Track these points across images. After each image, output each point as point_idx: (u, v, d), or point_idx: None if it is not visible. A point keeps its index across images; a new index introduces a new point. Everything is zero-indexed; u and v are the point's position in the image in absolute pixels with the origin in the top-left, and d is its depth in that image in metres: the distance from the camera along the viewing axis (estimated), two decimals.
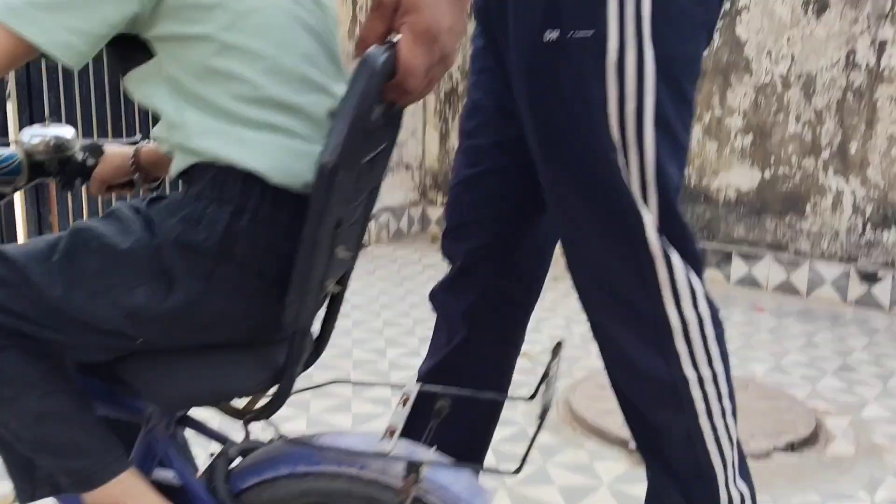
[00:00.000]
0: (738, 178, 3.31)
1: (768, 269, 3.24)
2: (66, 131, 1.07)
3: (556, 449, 1.87)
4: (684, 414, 1.03)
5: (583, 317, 2.91)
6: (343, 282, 0.97)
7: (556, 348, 0.94)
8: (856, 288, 3.06)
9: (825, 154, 3.11)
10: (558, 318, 2.86)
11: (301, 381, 0.91)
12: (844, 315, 2.96)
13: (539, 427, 0.84)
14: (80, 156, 1.07)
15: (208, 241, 0.80)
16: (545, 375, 0.91)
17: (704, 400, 1.04)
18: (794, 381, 2.32)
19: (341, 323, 2.74)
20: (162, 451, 0.95)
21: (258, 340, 0.87)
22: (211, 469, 0.93)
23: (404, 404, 0.87)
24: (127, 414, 0.96)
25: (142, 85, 0.85)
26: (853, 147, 3.05)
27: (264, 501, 0.90)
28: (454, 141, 4.14)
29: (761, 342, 2.64)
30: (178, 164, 0.84)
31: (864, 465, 1.82)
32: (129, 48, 0.83)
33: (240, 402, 0.95)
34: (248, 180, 0.81)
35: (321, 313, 0.97)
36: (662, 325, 1.01)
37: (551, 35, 0.93)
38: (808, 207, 3.16)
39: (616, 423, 1.95)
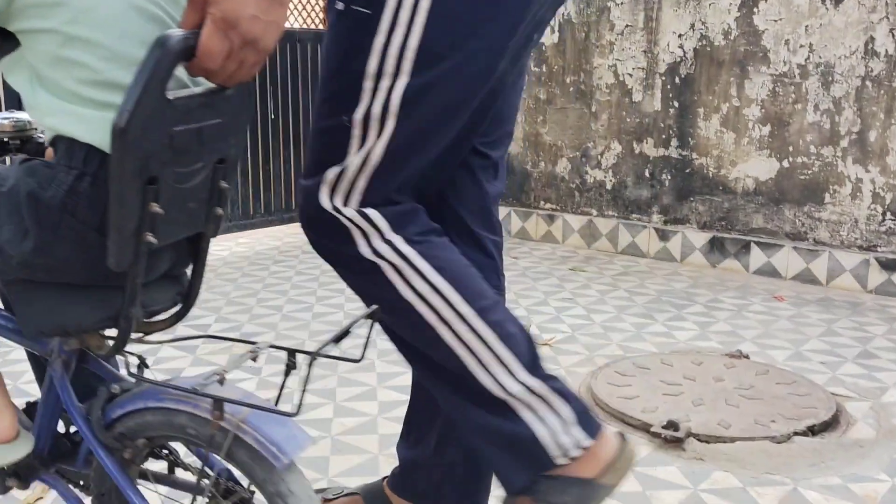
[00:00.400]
0: (757, 168, 3.32)
1: (787, 259, 3.26)
2: (25, 115, 1.25)
3: None
4: (419, 325, 1.13)
5: (603, 306, 2.98)
6: (203, 240, 1.11)
7: (372, 315, 1.11)
8: (875, 276, 3.07)
9: (844, 143, 3.12)
10: (578, 308, 2.89)
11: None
12: (864, 303, 2.97)
13: (309, 371, 0.99)
14: (39, 137, 1.27)
15: (54, 199, 0.97)
16: (347, 330, 1.06)
17: (434, 313, 1.12)
18: (815, 367, 2.34)
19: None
20: (59, 381, 1.14)
21: (98, 284, 1.04)
22: (90, 402, 1.12)
23: (254, 360, 1.03)
24: (36, 349, 1.18)
25: (11, 71, 1.01)
26: (872, 135, 3.05)
27: (127, 429, 1.10)
28: None
29: (781, 330, 2.66)
30: (46, 137, 1.03)
31: (884, 448, 1.84)
32: (4, 39, 0.99)
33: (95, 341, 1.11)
34: (91, 151, 0.96)
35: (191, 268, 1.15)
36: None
37: (338, 4, 1.07)
38: (827, 196, 3.17)
39: (637, 408, 1.98)
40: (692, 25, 3.40)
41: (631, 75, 3.60)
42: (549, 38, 3.82)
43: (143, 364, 1.13)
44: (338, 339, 1.06)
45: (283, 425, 1.03)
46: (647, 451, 1.81)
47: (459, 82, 1.08)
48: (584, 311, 2.86)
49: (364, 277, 1.17)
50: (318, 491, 1.46)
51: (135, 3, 0.98)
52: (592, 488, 1.10)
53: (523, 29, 1.10)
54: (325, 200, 1.10)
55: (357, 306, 2.86)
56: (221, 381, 1.02)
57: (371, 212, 1.10)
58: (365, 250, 1.12)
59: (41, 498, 1.61)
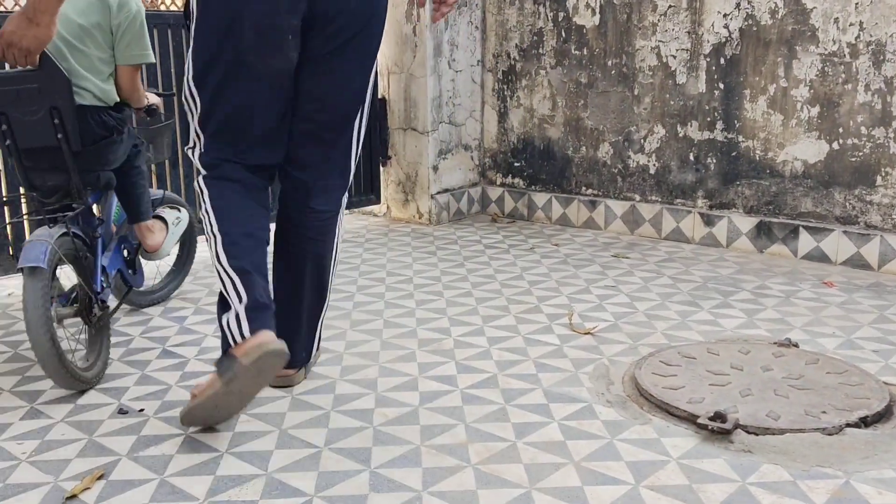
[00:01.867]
0: (805, 151, 3.23)
1: (837, 243, 3.17)
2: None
3: (624, 425, 1.87)
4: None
5: (647, 294, 2.96)
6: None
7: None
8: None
9: None
10: (621, 295, 2.85)
11: None
12: None
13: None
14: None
15: None
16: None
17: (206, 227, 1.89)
18: (867, 355, 2.27)
19: (405, 302, 2.77)
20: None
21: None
22: None
23: None
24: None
25: None
26: None
27: None
28: (513, 120, 4.13)
29: (831, 317, 2.59)
30: None
31: None
32: None
33: None
34: None
35: None
36: None
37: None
38: (879, 179, 3.07)
39: (683, 398, 1.95)
40: (737, 5, 3.31)
41: (674, 57, 3.52)
42: (589, 20, 3.76)
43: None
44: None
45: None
46: (694, 442, 1.78)
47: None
48: (628, 298, 2.82)
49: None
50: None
51: None
52: (235, 362, 1.70)
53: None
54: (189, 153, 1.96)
55: (397, 295, 2.85)
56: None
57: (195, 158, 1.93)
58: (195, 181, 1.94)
59: (88, 488, 1.63)
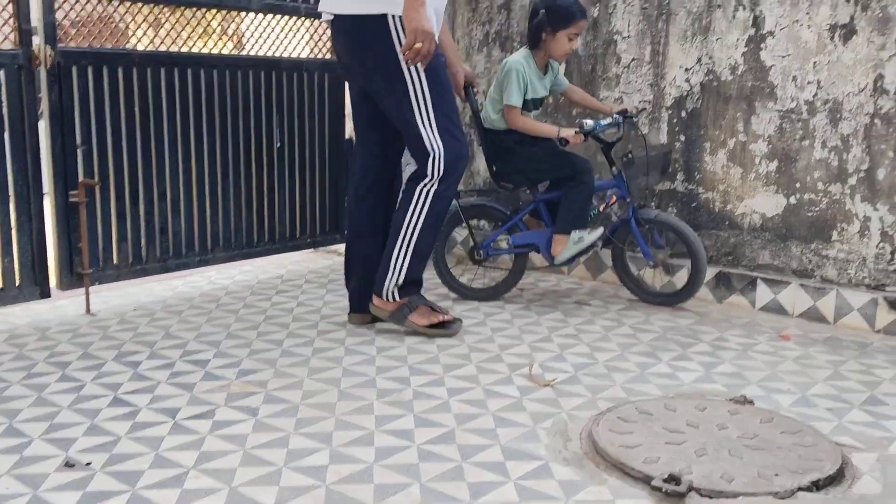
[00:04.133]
0: (763, 204, 3.29)
1: (794, 296, 3.22)
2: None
3: (580, 485, 1.87)
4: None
5: (607, 343, 2.97)
6: None
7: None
8: (884, 316, 3.03)
9: (852, 180, 3.09)
10: (582, 345, 2.86)
11: None
12: (872, 343, 2.93)
13: None
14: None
15: None
16: None
17: None
18: (821, 413, 2.30)
19: (365, 349, 2.71)
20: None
21: None
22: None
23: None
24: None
25: None
26: (881, 173, 3.02)
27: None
28: (478, 164, 4.15)
29: (787, 372, 2.62)
30: None
31: None
32: None
33: None
34: None
35: None
36: None
37: None
38: (835, 234, 3.14)
39: (639, 458, 1.95)
40: (699, 60, 3.38)
41: (637, 108, 3.58)
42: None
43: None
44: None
45: None
46: None
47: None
48: (588, 348, 2.83)
49: None
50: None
51: None
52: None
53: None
54: None
55: (357, 340, 2.84)
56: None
57: None
58: None
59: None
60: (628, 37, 3.58)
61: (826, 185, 3.14)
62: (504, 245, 3.43)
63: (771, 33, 3.21)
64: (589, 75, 3.71)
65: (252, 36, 3.72)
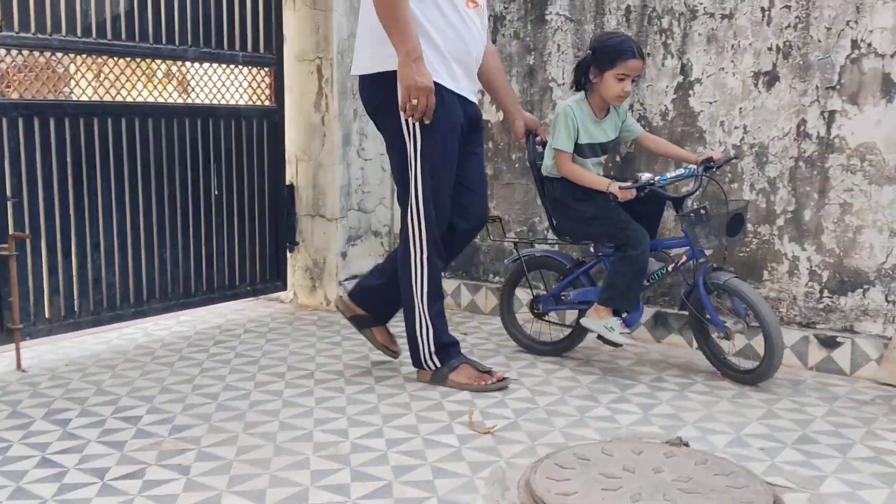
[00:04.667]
0: None
1: None
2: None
3: None
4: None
5: (548, 387, 2.98)
6: None
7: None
8: (815, 353, 3.10)
9: (780, 221, 3.18)
10: (523, 389, 2.86)
11: None
12: (805, 381, 2.99)
13: None
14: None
15: None
16: None
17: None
18: (754, 454, 2.33)
19: (304, 401, 2.69)
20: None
21: None
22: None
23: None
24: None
25: None
26: (807, 214, 3.12)
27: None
28: None
29: (722, 412, 2.66)
30: None
31: None
32: None
33: None
34: None
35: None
36: None
37: None
38: (766, 273, 3.22)
39: None
40: (631, 106, 3.47)
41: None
42: (493, 115, 3.87)
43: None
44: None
45: None
46: None
47: None
48: (529, 392, 2.84)
49: None
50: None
51: None
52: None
53: None
54: None
55: (296, 392, 2.80)
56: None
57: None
58: None
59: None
60: (563, 84, 3.66)
61: (755, 226, 3.22)
62: (564, 300, 3.23)
63: (699, 80, 3.31)
64: None
65: (189, 84, 3.70)
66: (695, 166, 2.91)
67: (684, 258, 2.98)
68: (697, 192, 2.97)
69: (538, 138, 3.14)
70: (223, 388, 2.86)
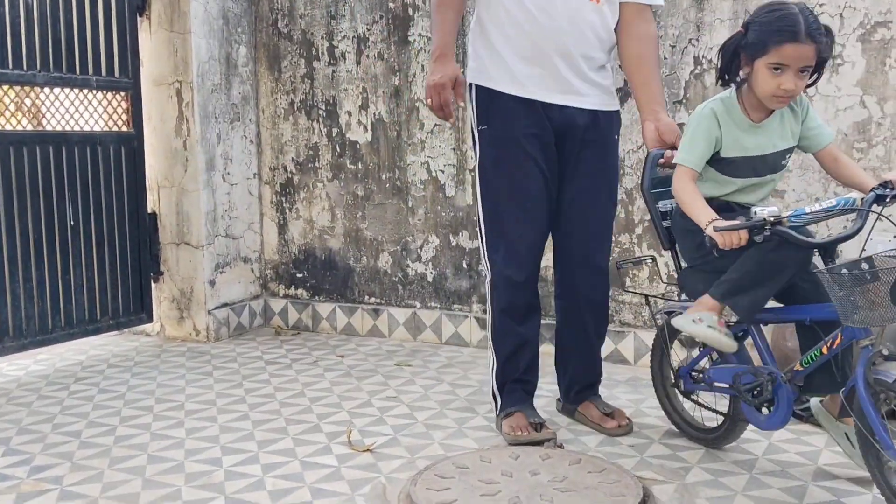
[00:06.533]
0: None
1: None
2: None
3: None
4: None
5: (426, 402, 3.02)
6: None
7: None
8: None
9: (638, 230, 3.34)
10: (402, 406, 2.86)
11: None
12: None
13: None
14: None
15: None
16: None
17: None
18: (624, 451, 2.42)
19: (174, 433, 2.62)
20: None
21: None
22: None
23: None
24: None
25: None
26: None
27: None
28: (293, 232, 4.12)
29: None
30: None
31: None
32: None
33: None
34: None
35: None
36: None
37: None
38: (628, 281, 3.36)
39: None
40: None
41: (443, 171, 3.71)
42: (362, 136, 3.88)
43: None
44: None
45: None
46: None
47: None
48: (408, 409, 2.84)
49: None
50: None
51: None
52: None
53: None
54: None
55: (165, 424, 2.69)
56: None
57: None
58: None
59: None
60: (425, 84, 3.71)
61: (616, 235, 3.37)
62: (702, 377, 2.35)
63: None
64: (395, 141, 3.81)
65: (40, 110, 3.52)
66: (857, 196, 1.98)
67: (839, 337, 1.95)
68: (857, 234, 1.92)
69: (662, 160, 2.33)
70: (86, 425, 2.70)
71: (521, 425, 2.49)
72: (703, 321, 2.10)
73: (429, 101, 2.42)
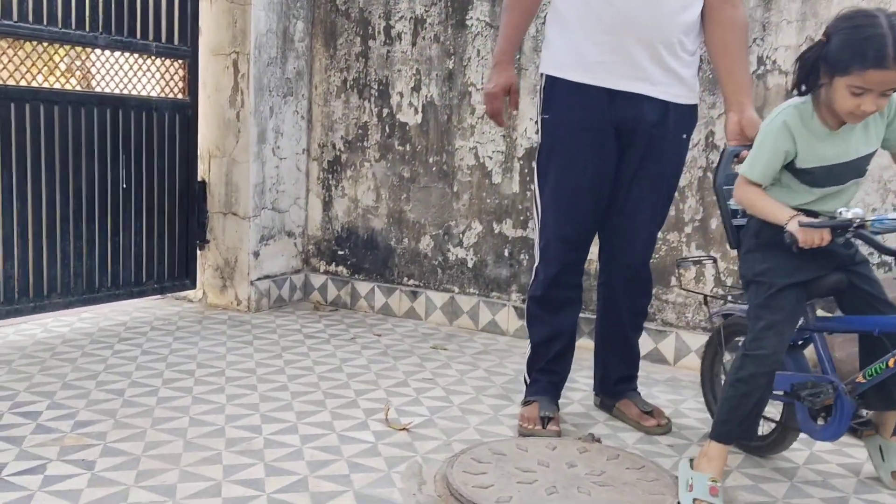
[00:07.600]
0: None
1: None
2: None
3: None
4: None
5: (462, 387, 3.01)
6: None
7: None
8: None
9: (688, 229, 3.30)
10: (438, 388, 2.87)
11: None
12: None
13: None
14: None
15: None
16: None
17: None
18: (663, 450, 2.40)
19: (215, 398, 2.66)
20: None
21: None
22: None
23: None
24: None
25: None
26: (713, 223, 3.25)
27: None
28: (337, 210, 4.14)
29: None
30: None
31: None
32: None
33: None
34: None
35: None
36: None
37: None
38: (673, 279, 3.33)
39: (492, 497, 1.96)
40: None
41: (491, 158, 3.69)
42: (412, 118, 3.88)
43: None
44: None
45: None
46: None
47: None
48: (444, 392, 2.84)
49: None
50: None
51: None
52: None
53: None
54: None
55: (206, 389, 2.72)
56: None
57: None
58: None
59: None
60: (482, 89, 3.70)
61: (665, 233, 3.33)
62: None
63: None
64: (445, 125, 3.80)
65: (98, 73, 3.57)
66: None
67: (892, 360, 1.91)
68: None
69: (737, 158, 2.24)
70: (129, 384, 2.75)
71: (532, 417, 2.47)
72: (694, 489, 1.97)
73: (485, 107, 2.54)
